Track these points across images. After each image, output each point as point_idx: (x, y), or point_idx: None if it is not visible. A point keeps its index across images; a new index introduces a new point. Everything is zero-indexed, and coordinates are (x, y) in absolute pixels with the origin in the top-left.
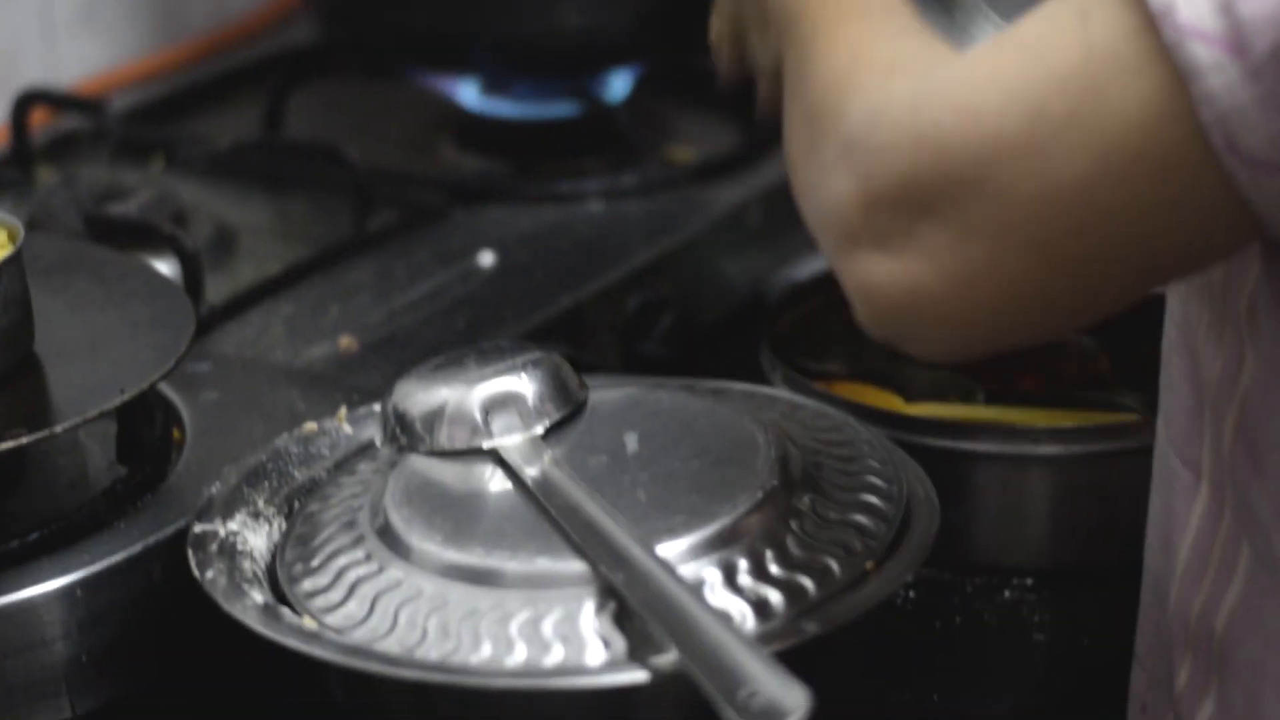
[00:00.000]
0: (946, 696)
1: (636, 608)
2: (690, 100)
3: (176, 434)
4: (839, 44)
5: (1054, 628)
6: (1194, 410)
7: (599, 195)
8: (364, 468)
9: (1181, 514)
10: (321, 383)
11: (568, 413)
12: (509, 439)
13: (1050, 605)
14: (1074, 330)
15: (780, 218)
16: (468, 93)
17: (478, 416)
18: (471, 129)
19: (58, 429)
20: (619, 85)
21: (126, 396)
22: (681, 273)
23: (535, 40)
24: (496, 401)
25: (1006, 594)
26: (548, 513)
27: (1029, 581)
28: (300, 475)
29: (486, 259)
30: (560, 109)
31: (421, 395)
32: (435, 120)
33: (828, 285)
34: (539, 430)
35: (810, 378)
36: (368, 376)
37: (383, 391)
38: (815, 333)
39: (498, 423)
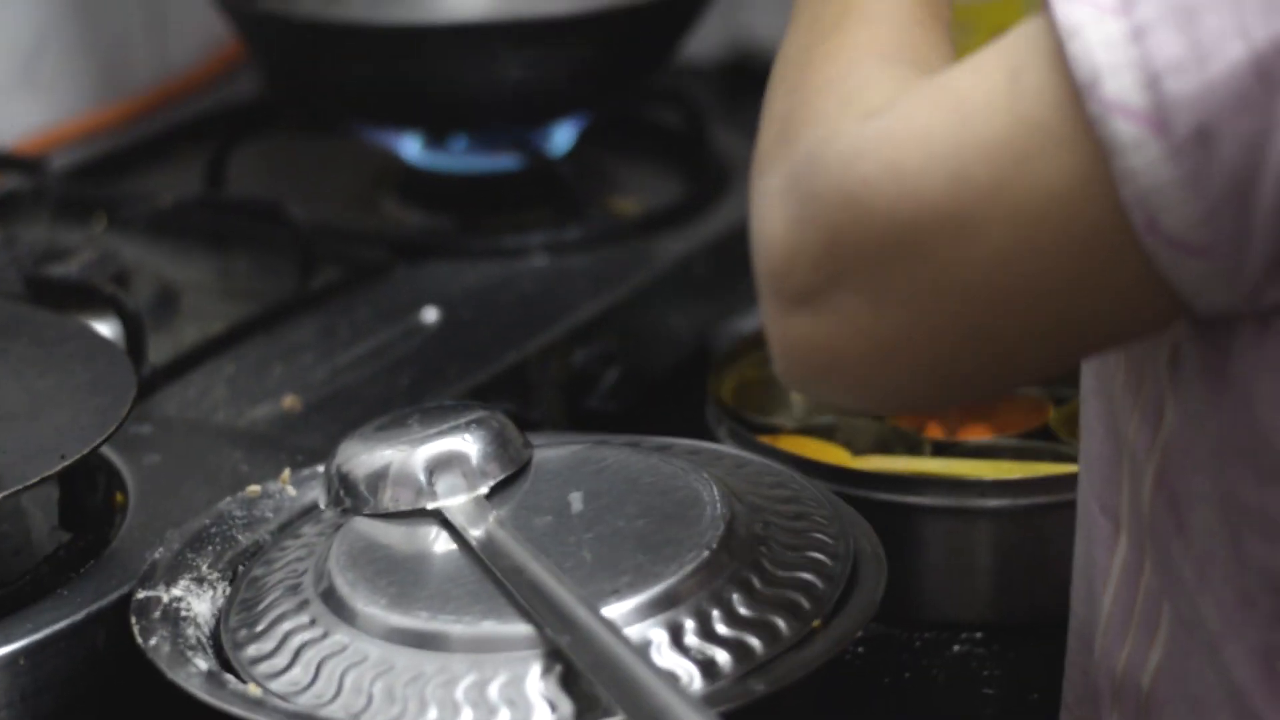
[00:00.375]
0: None
1: (583, 670)
2: (633, 152)
3: (119, 498)
4: (834, 52)
5: (1004, 682)
6: (1112, 459)
7: (543, 249)
8: (308, 530)
9: (1103, 563)
10: (265, 444)
11: (512, 472)
12: (453, 500)
13: (1000, 660)
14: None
15: (726, 269)
16: (410, 147)
17: (421, 477)
18: (414, 184)
19: (11, 491)
20: (562, 137)
21: (68, 462)
22: (627, 326)
23: (478, 94)
24: (440, 462)
25: (955, 648)
26: (493, 574)
27: (978, 635)
28: (244, 539)
29: (430, 315)
30: (502, 162)
31: (365, 456)
32: (377, 175)
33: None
34: (483, 490)
35: (755, 432)
36: (311, 437)
37: (326, 452)
38: (760, 386)
39: (441, 483)
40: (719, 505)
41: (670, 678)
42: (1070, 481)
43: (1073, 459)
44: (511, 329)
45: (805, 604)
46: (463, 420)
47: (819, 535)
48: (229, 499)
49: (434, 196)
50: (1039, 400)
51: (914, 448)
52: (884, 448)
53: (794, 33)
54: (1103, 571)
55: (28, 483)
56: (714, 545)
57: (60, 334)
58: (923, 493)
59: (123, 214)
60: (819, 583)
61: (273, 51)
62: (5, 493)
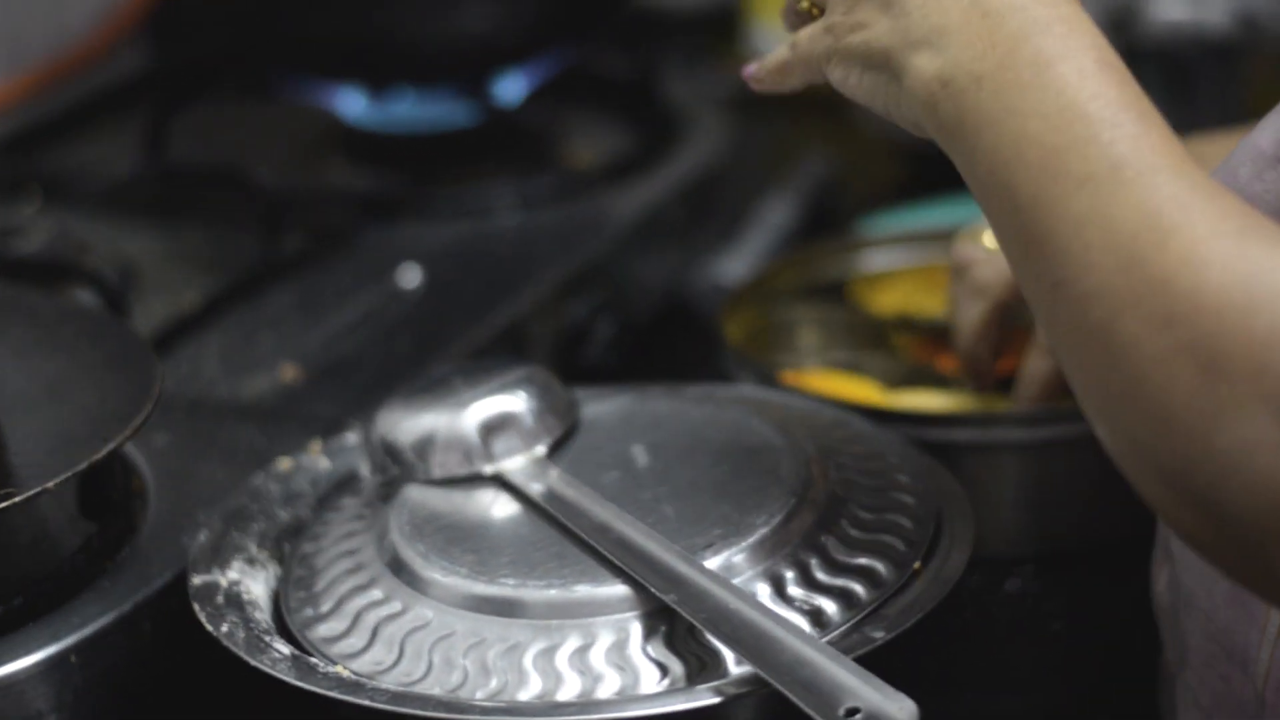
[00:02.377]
0: (981, 691)
1: (702, 627)
2: (576, 104)
3: (136, 482)
4: (1149, 181)
5: (1066, 615)
6: None
7: (513, 205)
8: (349, 502)
9: None
10: (276, 416)
11: (567, 428)
12: (512, 461)
13: (1055, 593)
14: None
15: (692, 216)
16: (354, 105)
17: (476, 439)
18: (360, 143)
19: (50, 484)
20: (512, 90)
21: (114, 444)
22: (611, 277)
23: (428, 45)
24: (494, 423)
25: (1008, 585)
26: (571, 535)
27: (1030, 569)
28: (285, 515)
29: (411, 276)
30: (456, 116)
31: (409, 422)
32: (318, 137)
33: (769, 283)
34: (541, 450)
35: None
36: (322, 406)
37: (343, 421)
38: (765, 330)
39: (498, 445)
40: (794, 450)
41: (798, 629)
42: None
43: None
44: (498, 286)
45: (900, 546)
46: (510, 377)
47: (897, 476)
48: (261, 474)
49: (383, 155)
50: None
51: (943, 382)
52: (916, 382)
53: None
54: None
55: (59, 478)
56: (801, 491)
57: (59, 313)
58: (980, 427)
59: (64, 189)
60: (909, 523)
61: (211, 6)
62: (57, 480)
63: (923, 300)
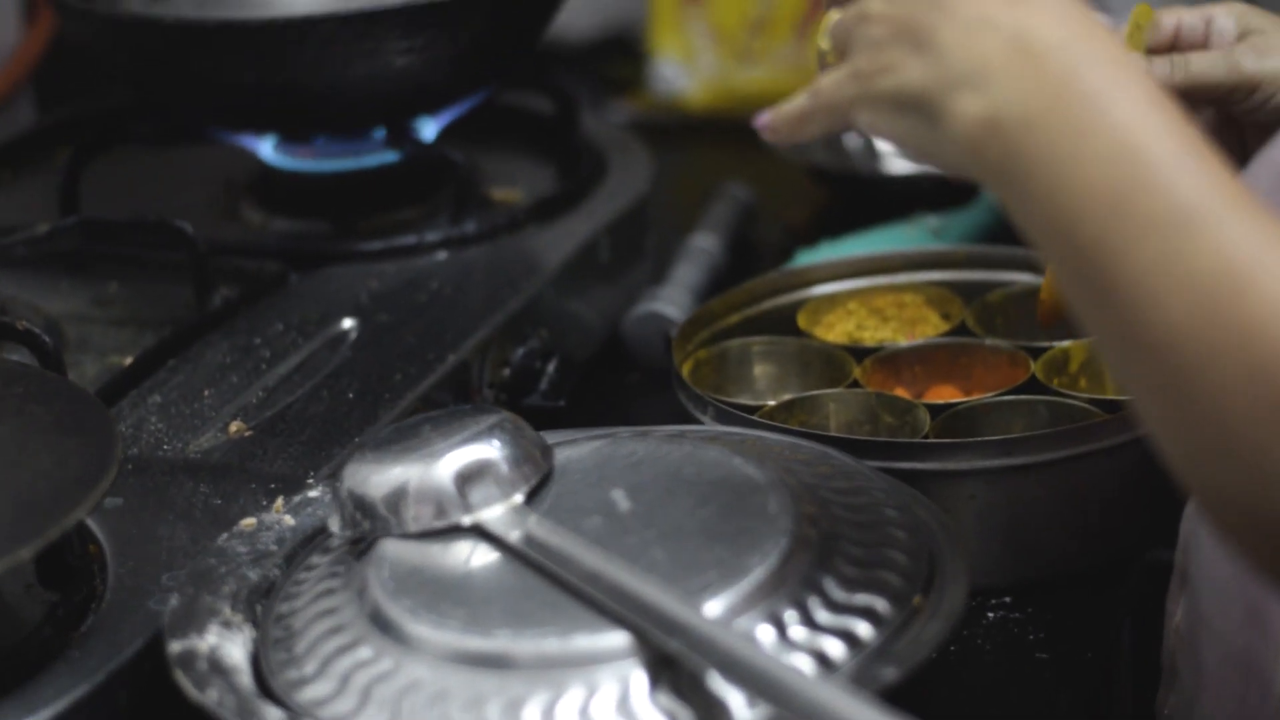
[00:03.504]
0: None
1: (720, 674)
2: (493, 138)
3: (92, 548)
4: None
5: (1051, 644)
6: None
7: (441, 245)
8: (319, 560)
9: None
10: (228, 473)
11: (544, 475)
12: (490, 511)
13: (1039, 621)
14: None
15: (621, 249)
16: (265, 148)
17: (452, 490)
18: (272, 187)
19: (24, 553)
20: (428, 129)
21: (82, 511)
22: (550, 316)
23: (346, 93)
24: (469, 472)
25: (990, 615)
26: (561, 583)
27: (1007, 600)
28: (254, 575)
29: (346, 323)
30: (373, 156)
31: (380, 475)
32: (225, 182)
33: (716, 317)
34: (519, 497)
35: (741, 412)
36: (274, 462)
37: (297, 477)
38: (711, 366)
39: (474, 495)
40: (779, 488)
41: (810, 672)
42: (1091, 430)
43: (1080, 408)
44: (434, 330)
45: (897, 581)
46: (482, 425)
47: (884, 510)
48: (226, 535)
49: (303, 197)
50: (1014, 354)
51: (905, 413)
52: (873, 418)
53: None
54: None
55: (47, 536)
56: (793, 529)
57: (2, 376)
58: (936, 458)
59: None
60: (902, 557)
61: (129, 56)
62: (31, 548)
63: (874, 327)
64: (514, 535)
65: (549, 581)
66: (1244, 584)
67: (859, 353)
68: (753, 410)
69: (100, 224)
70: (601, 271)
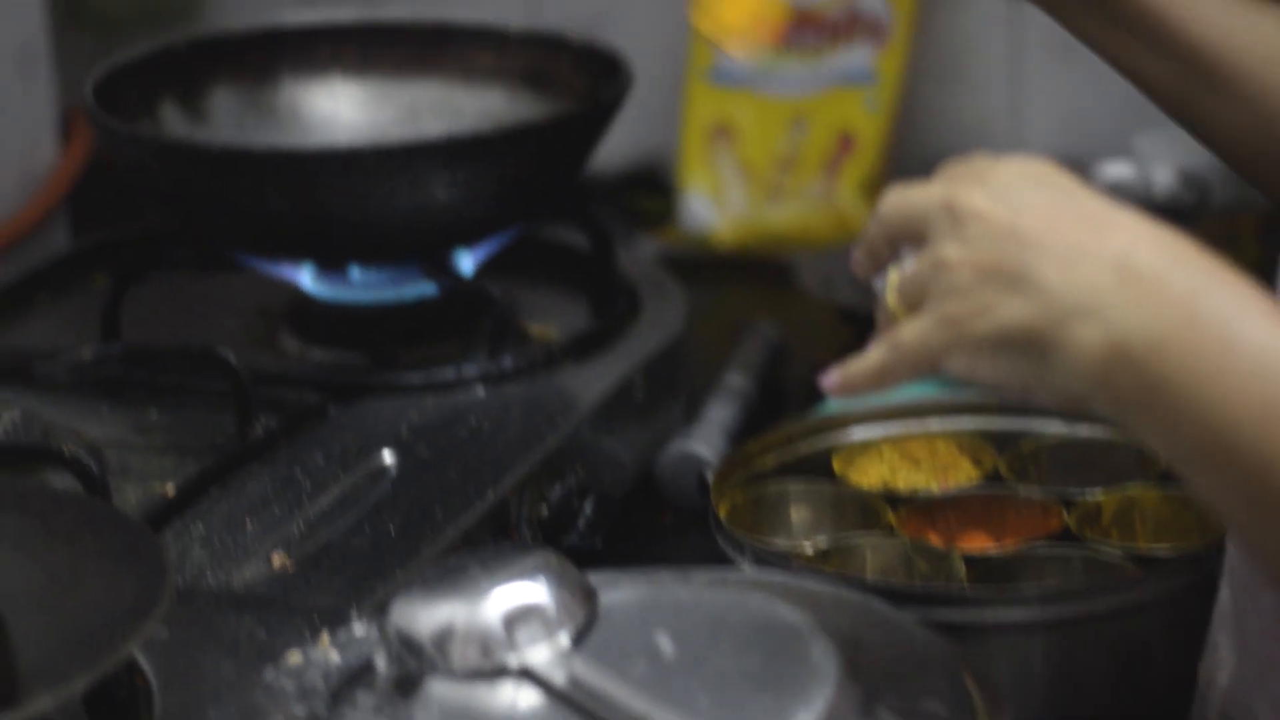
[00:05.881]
0: None
1: None
2: (530, 271)
3: (139, 678)
4: None
5: None
6: None
7: (479, 380)
8: (364, 698)
9: None
10: (273, 607)
11: (588, 617)
12: (536, 652)
13: None
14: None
15: (656, 387)
16: (305, 278)
17: (499, 630)
18: (310, 318)
19: (77, 685)
20: (465, 263)
21: (134, 643)
22: (588, 455)
23: (386, 225)
24: (517, 613)
25: None
26: None
27: None
28: (301, 712)
29: (386, 456)
30: (416, 290)
31: (427, 613)
32: (261, 311)
33: (753, 460)
34: (565, 640)
35: (780, 558)
36: (318, 596)
37: (342, 611)
38: (749, 509)
39: (521, 635)
40: (821, 636)
41: None
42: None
43: (1105, 562)
44: (474, 466)
45: None
46: (529, 564)
47: (925, 661)
48: (271, 670)
49: (335, 329)
50: (1046, 503)
51: (940, 560)
52: (907, 564)
53: None
54: None
55: (101, 667)
56: (839, 678)
57: (51, 501)
58: (978, 609)
59: (18, 372)
60: (944, 710)
61: (172, 181)
62: (83, 679)
63: (907, 472)
64: (560, 678)
65: None
66: None
67: (893, 499)
68: (790, 555)
69: (144, 350)
70: (636, 410)
